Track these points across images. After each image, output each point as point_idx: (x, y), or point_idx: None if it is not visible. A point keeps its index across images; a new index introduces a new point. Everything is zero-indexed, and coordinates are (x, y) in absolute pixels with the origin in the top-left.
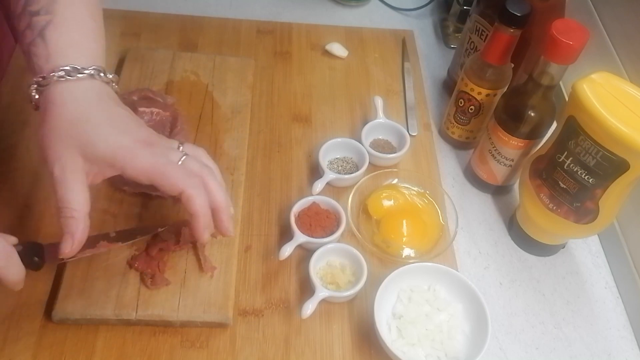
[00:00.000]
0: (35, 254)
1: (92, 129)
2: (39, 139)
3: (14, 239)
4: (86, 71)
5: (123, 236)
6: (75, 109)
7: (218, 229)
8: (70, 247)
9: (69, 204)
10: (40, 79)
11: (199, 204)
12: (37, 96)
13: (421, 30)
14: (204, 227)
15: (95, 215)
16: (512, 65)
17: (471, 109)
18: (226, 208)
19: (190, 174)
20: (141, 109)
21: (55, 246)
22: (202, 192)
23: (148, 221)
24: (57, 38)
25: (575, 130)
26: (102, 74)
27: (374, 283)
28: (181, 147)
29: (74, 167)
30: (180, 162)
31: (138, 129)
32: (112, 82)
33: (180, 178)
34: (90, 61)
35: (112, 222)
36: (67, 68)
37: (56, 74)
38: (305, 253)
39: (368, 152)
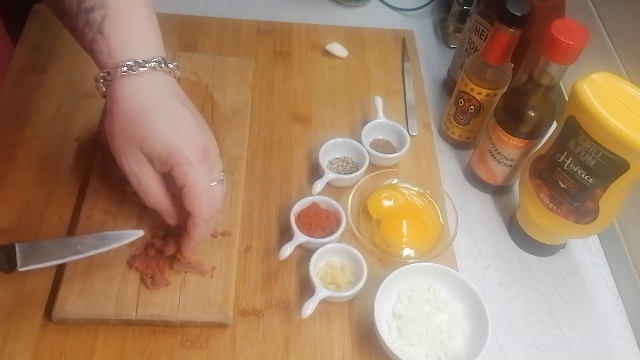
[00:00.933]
0: (7, 257)
1: (150, 125)
2: (107, 130)
3: None
4: (148, 64)
5: None
6: (137, 106)
7: (182, 245)
8: (171, 221)
9: (146, 193)
10: (106, 74)
11: (201, 234)
12: (104, 89)
13: (421, 30)
14: (193, 249)
15: (96, 215)
16: (512, 65)
17: (471, 109)
18: (197, 241)
19: (213, 205)
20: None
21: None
22: (210, 224)
23: (148, 221)
24: (115, 32)
25: (575, 130)
26: (163, 65)
27: (374, 283)
28: (222, 173)
29: (138, 160)
30: (214, 184)
31: (195, 132)
32: (174, 71)
33: (205, 206)
34: (151, 52)
35: (112, 222)
36: (130, 63)
37: (119, 70)
38: (305, 253)
39: (368, 152)
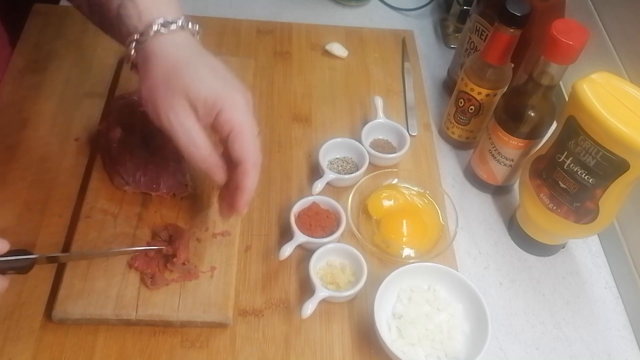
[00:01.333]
0: (21, 260)
1: (194, 72)
2: (144, 93)
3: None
4: (176, 23)
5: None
6: (176, 57)
7: (235, 201)
8: (222, 176)
9: (197, 146)
10: (139, 36)
11: (252, 182)
12: (135, 54)
13: (421, 30)
14: (247, 202)
15: (96, 215)
16: (512, 65)
17: (471, 109)
18: (249, 192)
19: (259, 152)
20: (142, 109)
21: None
22: (257, 174)
23: (148, 221)
24: None
25: (575, 130)
26: (189, 25)
27: (374, 283)
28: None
29: (186, 112)
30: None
31: (235, 81)
32: (197, 33)
33: (253, 151)
34: (177, 13)
35: (112, 222)
36: (161, 21)
37: (153, 29)
38: (305, 253)
39: (368, 152)
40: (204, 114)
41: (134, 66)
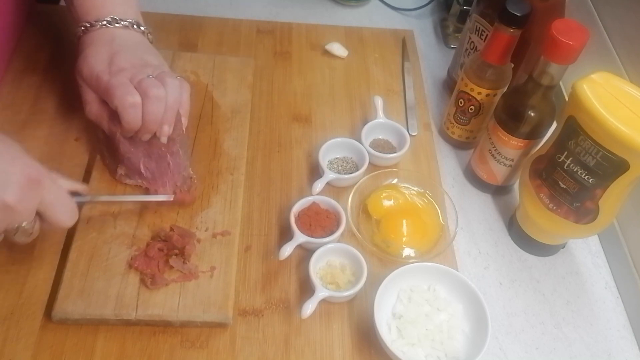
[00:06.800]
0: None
1: (84, 63)
2: (85, 68)
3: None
4: (123, 22)
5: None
6: (85, 42)
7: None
8: (134, 116)
9: (123, 93)
10: (88, 25)
11: (129, 119)
12: (82, 35)
13: (421, 30)
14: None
15: (96, 215)
16: (512, 65)
17: (471, 109)
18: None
19: (131, 91)
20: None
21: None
22: (136, 108)
23: (148, 221)
24: None
25: (575, 130)
26: (135, 26)
27: (374, 283)
28: (150, 76)
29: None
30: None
31: (119, 56)
32: (147, 33)
33: (118, 94)
34: (130, 14)
35: (112, 222)
36: (109, 19)
37: (100, 22)
38: (305, 253)
39: (368, 152)
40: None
41: (79, 42)
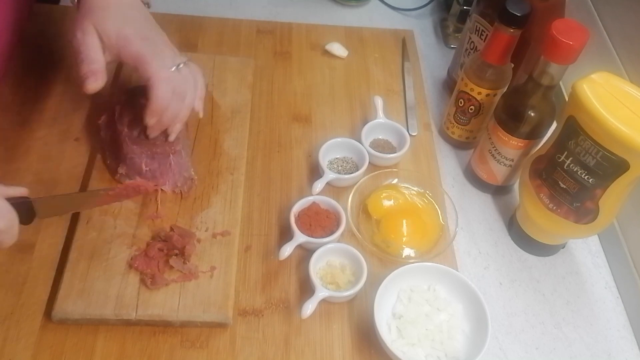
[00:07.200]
0: (25, 209)
1: (107, 17)
2: (73, 23)
3: (22, 190)
4: None
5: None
6: (103, 3)
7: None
8: (94, 83)
9: (89, 57)
10: None
11: (159, 98)
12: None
13: (421, 30)
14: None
15: (96, 215)
16: (512, 65)
17: (471, 109)
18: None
19: (168, 65)
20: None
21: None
22: (170, 93)
23: (148, 221)
24: None
25: (575, 130)
26: None
27: (374, 283)
28: (181, 65)
29: (91, 33)
30: (173, 69)
31: (145, 30)
32: (147, 4)
33: (154, 64)
34: None
35: (112, 222)
36: None
37: None
38: (305, 253)
39: (368, 152)
40: (107, 52)
41: (74, 4)
